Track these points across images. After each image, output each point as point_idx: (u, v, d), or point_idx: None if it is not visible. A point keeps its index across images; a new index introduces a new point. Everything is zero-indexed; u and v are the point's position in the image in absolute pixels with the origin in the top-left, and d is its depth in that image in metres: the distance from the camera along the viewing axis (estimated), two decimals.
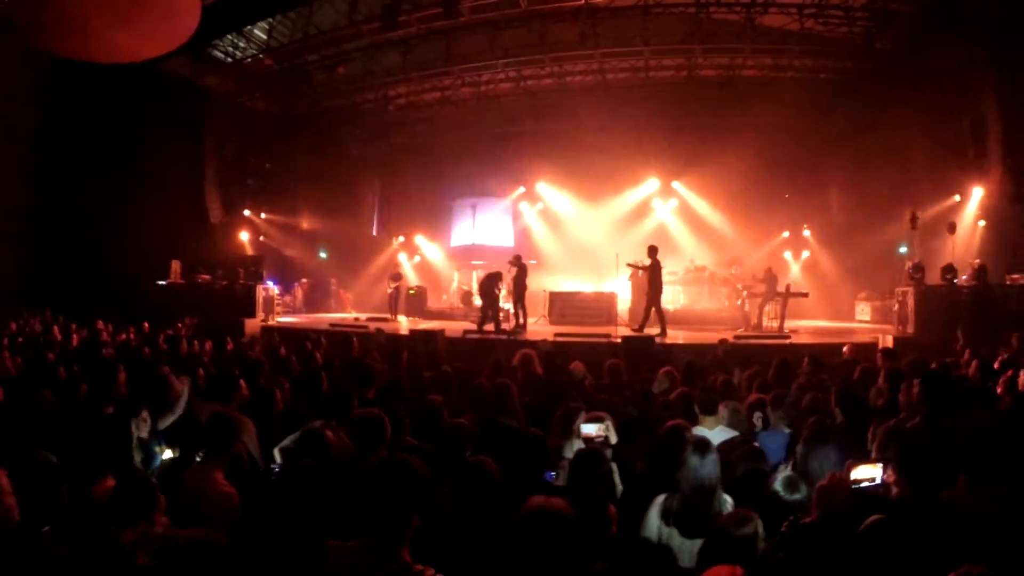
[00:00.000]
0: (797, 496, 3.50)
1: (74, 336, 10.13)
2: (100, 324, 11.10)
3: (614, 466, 4.29)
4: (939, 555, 2.54)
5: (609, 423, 4.82)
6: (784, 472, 3.80)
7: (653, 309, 14.79)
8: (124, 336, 10.49)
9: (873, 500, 3.27)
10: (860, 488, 3.32)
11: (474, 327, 15.83)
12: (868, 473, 3.37)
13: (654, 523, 3.94)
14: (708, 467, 3.89)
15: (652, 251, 15.06)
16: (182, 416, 5.28)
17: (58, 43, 7.52)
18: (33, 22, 7.12)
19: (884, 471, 3.42)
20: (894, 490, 3.46)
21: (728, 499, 3.99)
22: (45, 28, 7.06)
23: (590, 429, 4.69)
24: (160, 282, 16.96)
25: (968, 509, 3.38)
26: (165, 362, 7.66)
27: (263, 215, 21.97)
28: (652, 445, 5.26)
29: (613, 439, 4.81)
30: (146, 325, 11.58)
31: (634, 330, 14.77)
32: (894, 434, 3.94)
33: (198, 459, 4.12)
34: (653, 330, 14.32)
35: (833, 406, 5.63)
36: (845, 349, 10.71)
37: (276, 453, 4.61)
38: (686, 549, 3.84)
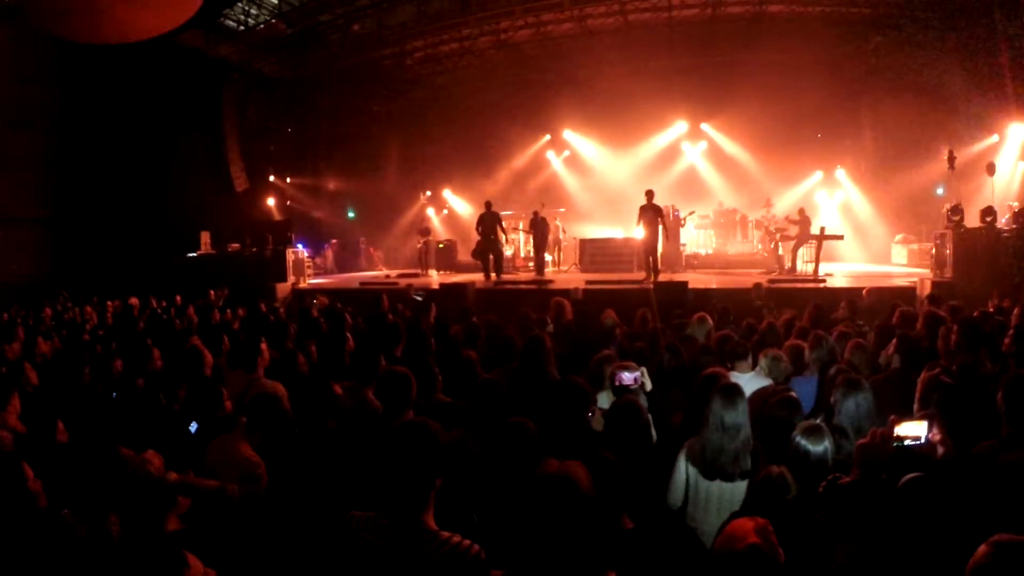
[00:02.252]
0: (819, 447, 3.39)
1: (108, 314, 10.26)
2: (134, 300, 11.24)
3: (649, 417, 4.22)
4: (981, 513, 2.43)
5: (644, 370, 4.74)
6: (807, 422, 3.70)
7: (650, 254, 14.81)
8: (156, 309, 10.60)
9: (917, 459, 3.12)
10: (904, 447, 3.17)
11: (506, 278, 15.86)
12: (913, 431, 3.19)
13: (682, 467, 3.93)
14: (735, 412, 3.83)
15: (648, 195, 14.91)
16: (209, 385, 5.29)
17: (66, 26, 7.45)
18: (40, 6, 7.06)
19: (930, 429, 3.27)
20: (940, 449, 3.30)
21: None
22: (52, 11, 7.00)
23: (625, 378, 4.60)
24: (191, 254, 17.13)
25: (1005, 462, 3.23)
26: (195, 332, 7.74)
27: (288, 179, 22.01)
28: (688, 393, 5.21)
29: (648, 386, 4.76)
30: (178, 298, 11.70)
31: (644, 279, 14.55)
32: (936, 384, 3.77)
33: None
34: (684, 276, 14.20)
35: (892, 352, 5.48)
36: (864, 292, 10.44)
37: None
38: (713, 492, 3.83)
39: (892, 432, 3.20)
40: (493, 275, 15.81)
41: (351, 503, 2.79)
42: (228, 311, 10.31)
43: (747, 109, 19.85)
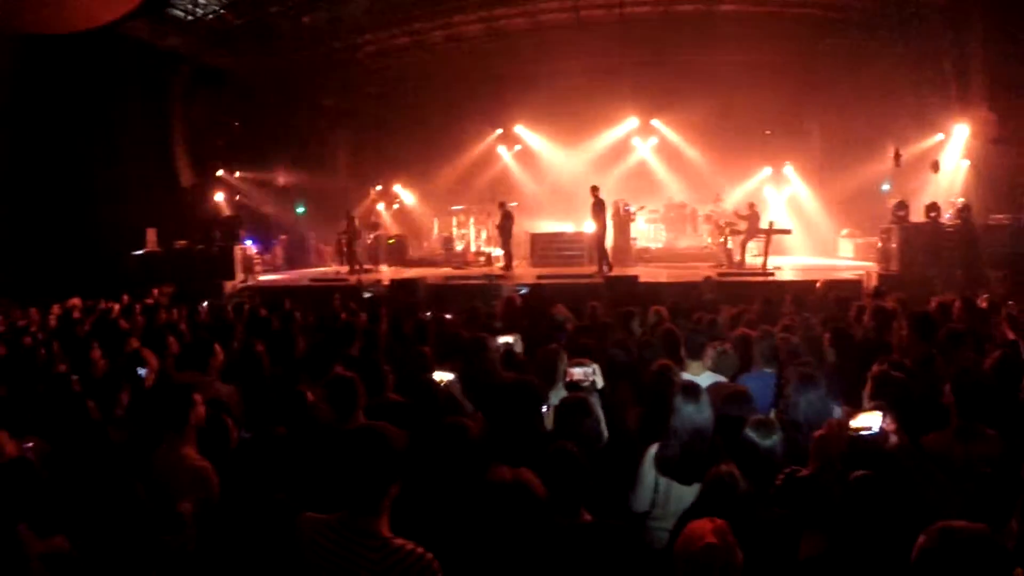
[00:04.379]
0: (768, 441, 3.45)
1: (51, 317, 9.88)
2: (76, 301, 10.85)
3: (600, 414, 4.16)
4: (931, 504, 2.51)
5: (597, 367, 4.70)
6: (758, 416, 3.75)
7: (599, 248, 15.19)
8: (99, 311, 10.22)
9: (871, 450, 3.21)
10: (858, 437, 3.25)
11: (457, 272, 15.92)
12: (866, 422, 3.28)
13: (650, 474, 3.90)
14: (702, 412, 3.85)
15: (593, 190, 15.43)
16: (154, 390, 5.12)
17: (11, 15, 7.17)
18: None
19: (883, 419, 3.36)
20: (892, 439, 3.41)
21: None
22: None
23: (577, 373, 4.57)
24: (136, 252, 16.66)
25: (956, 452, 3.35)
26: (140, 334, 7.51)
27: (237, 174, 21.52)
28: (640, 390, 5.19)
29: (600, 383, 4.70)
30: (125, 297, 11.35)
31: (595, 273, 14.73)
32: (886, 378, 3.86)
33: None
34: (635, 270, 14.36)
35: (827, 346, 5.54)
36: (818, 284, 10.69)
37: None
38: (686, 497, 3.80)
39: (847, 423, 3.28)
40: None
41: (303, 508, 2.74)
42: (174, 310, 10.04)
43: (697, 105, 20.11)
